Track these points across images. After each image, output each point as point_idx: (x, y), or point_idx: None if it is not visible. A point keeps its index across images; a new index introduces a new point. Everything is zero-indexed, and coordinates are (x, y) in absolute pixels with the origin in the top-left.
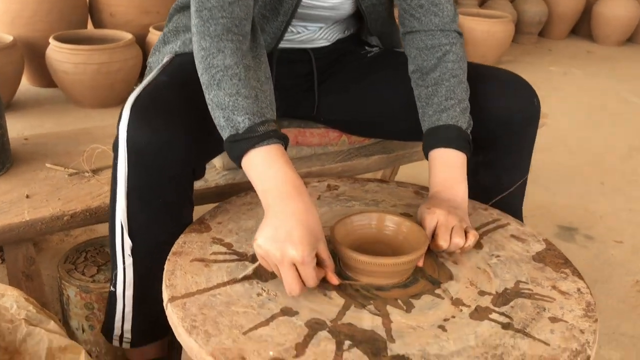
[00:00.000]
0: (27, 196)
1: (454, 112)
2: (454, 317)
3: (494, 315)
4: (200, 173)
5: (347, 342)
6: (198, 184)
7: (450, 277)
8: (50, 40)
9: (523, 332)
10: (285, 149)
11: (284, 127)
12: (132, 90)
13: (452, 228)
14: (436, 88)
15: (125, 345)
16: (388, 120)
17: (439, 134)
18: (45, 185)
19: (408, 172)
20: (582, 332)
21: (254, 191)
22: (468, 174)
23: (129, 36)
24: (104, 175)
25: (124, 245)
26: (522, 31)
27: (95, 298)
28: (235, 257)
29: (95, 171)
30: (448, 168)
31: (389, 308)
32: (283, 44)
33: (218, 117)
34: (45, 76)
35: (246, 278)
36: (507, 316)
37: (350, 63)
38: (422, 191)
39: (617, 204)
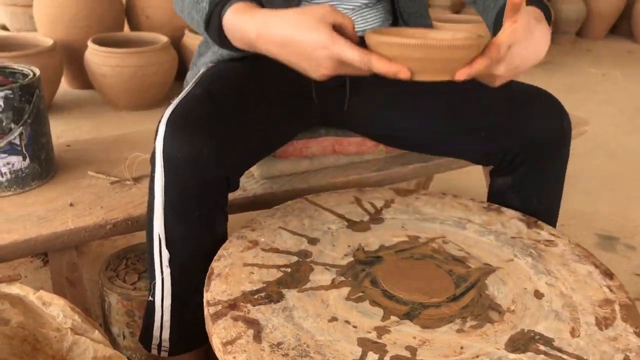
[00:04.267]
0: (71, 204)
1: None
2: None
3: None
4: (234, 185)
5: None
6: (237, 194)
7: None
8: (89, 43)
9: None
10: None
11: (321, 135)
12: (168, 101)
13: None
14: None
15: (164, 354)
16: (423, 135)
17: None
18: (88, 193)
19: (443, 179)
20: None
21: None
22: (497, 197)
23: (164, 39)
24: (145, 183)
25: (162, 256)
26: (559, 30)
27: (137, 305)
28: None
29: (136, 179)
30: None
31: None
32: None
33: (192, 15)
34: (83, 78)
35: None
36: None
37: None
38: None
39: None
